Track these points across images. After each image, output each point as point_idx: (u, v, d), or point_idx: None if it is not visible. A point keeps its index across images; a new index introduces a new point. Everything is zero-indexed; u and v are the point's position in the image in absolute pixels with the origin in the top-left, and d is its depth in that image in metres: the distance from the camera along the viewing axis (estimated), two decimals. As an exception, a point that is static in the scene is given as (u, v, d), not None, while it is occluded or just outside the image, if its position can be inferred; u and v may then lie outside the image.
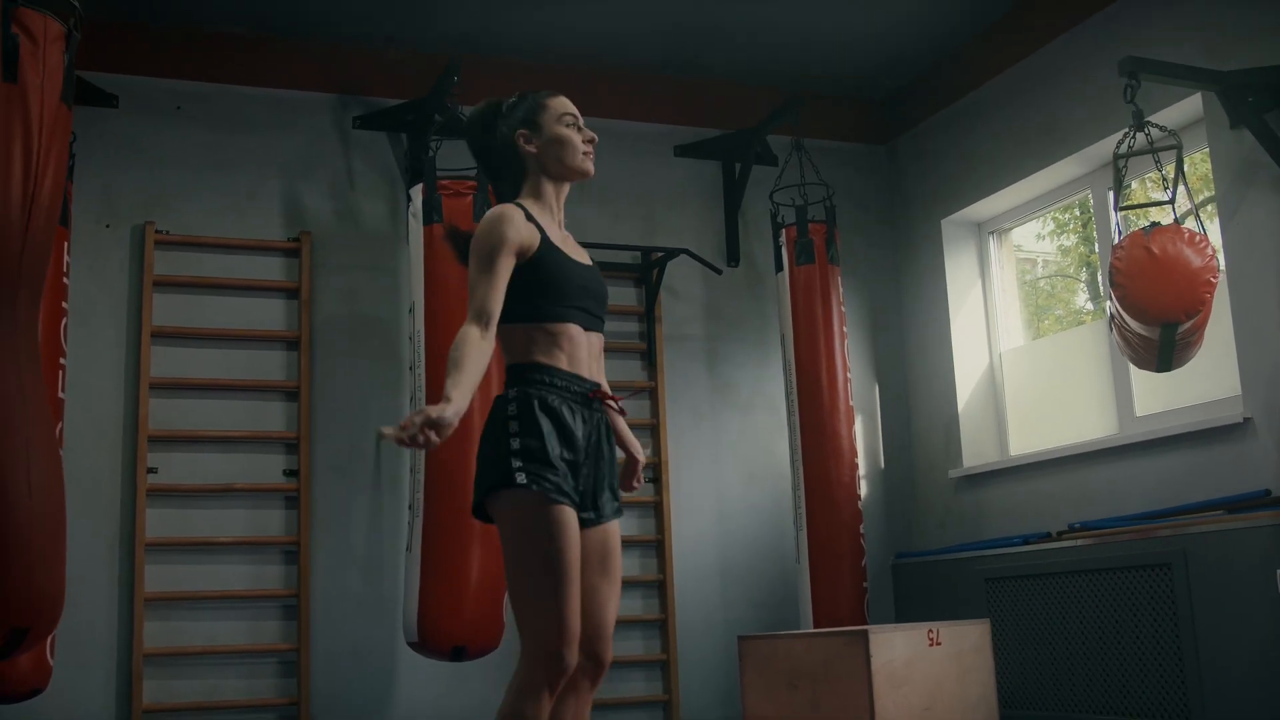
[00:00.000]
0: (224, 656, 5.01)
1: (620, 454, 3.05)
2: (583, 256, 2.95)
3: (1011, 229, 6.12)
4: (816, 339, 5.46)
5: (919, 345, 6.24)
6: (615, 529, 2.88)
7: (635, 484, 3.09)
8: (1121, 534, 4.71)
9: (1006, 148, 5.70)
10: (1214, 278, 4.09)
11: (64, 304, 4.48)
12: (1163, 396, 5.05)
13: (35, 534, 3.28)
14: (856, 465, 5.48)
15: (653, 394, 5.82)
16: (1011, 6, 5.58)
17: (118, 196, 5.21)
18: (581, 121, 2.97)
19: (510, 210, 2.81)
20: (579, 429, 2.78)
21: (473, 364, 2.59)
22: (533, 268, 2.78)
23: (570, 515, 2.70)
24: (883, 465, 6.20)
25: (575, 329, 2.83)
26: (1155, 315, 4.05)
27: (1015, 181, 5.66)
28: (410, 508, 4.72)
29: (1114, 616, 4.66)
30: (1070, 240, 6.21)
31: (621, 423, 3.03)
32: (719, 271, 5.93)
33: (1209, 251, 4.08)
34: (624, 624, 5.53)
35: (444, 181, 4.87)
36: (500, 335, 2.77)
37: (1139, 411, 5.15)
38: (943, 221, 6.10)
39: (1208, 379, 4.77)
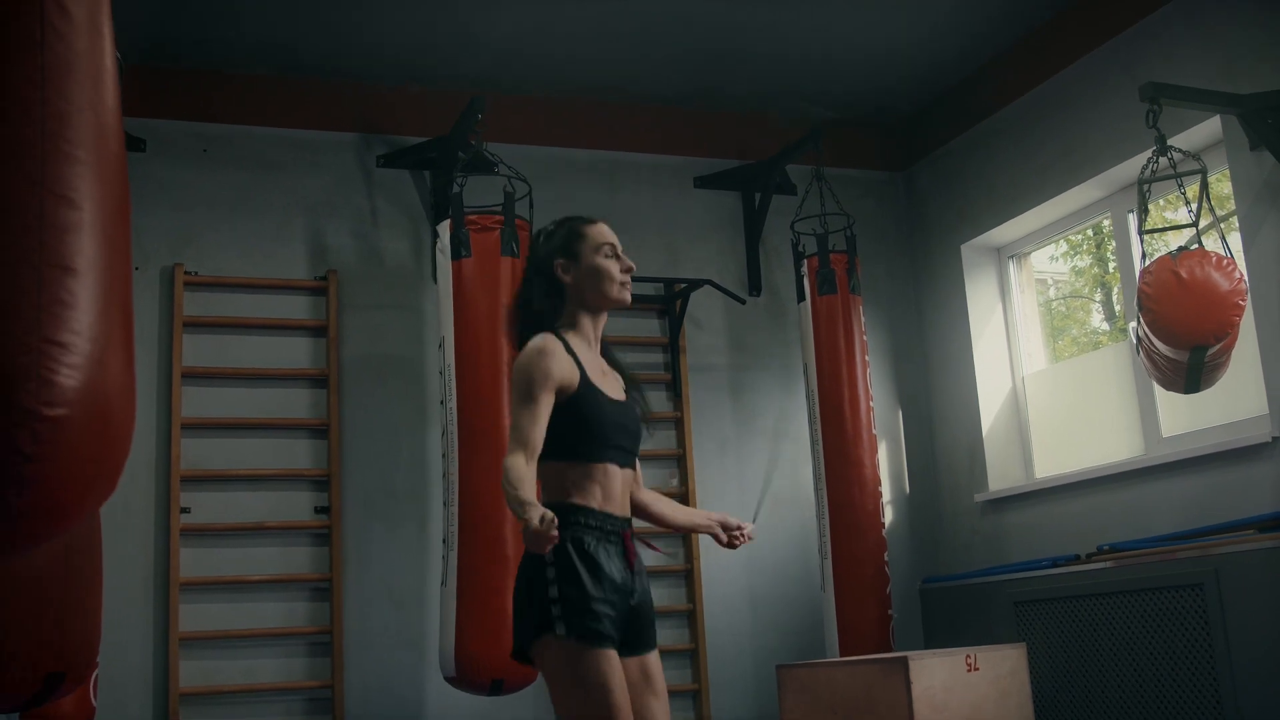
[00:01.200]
0: (260, 694, 5.03)
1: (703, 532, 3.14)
2: (618, 390, 2.95)
3: (1031, 253, 6.16)
4: (839, 369, 5.50)
5: (942, 370, 6.27)
6: (655, 657, 2.89)
7: (740, 536, 3.10)
8: (1151, 555, 4.73)
9: (1025, 172, 5.75)
10: (1242, 301, 4.12)
11: (98, 347, 4.51)
12: (1189, 417, 5.07)
13: (71, 578, 3.28)
14: (880, 493, 5.50)
15: (678, 424, 5.85)
16: (1028, 31, 5.64)
17: (146, 239, 5.26)
18: (620, 249, 2.95)
19: (552, 343, 2.81)
20: (615, 569, 2.78)
21: (529, 484, 2.63)
22: (571, 407, 2.79)
23: (613, 657, 2.70)
24: (908, 490, 6.23)
25: (612, 468, 2.84)
26: (1184, 339, 4.09)
27: (1035, 206, 5.70)
28: (445, 542, 4.74)
29: (1146, 638, 4.68)
30: (1084, 261, 6.25)
31: (682, 517, 3.12)
32: (742, 301, 5.98)
33: (1237, 275, 4.12)
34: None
35: (471, 216, 4.91)
36: (537, 471, 2.77)
37: (1165, 432, 5.17)
38: (962, 247, 6.14)
39: (1234, 399, 4.80)
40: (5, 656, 3.14)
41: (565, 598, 2.69)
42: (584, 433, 2.81)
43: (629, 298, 2.95)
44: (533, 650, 2.75)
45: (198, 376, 5.21)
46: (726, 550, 5.67)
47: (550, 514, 2.50)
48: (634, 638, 2.82)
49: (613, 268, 2.91)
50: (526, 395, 2.74)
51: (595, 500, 2.80)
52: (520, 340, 2.90)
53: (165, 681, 4.89)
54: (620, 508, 2.85)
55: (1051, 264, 6.32)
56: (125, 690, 4.84)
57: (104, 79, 2.23)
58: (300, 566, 5.21)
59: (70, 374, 2.05)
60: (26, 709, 3.51)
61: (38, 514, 2.08)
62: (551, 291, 2.93)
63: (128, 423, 2.26)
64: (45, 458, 2.02)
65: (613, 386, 2.94)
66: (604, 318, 2.97)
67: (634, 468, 2.95)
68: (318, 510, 5.26)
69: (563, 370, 2.78)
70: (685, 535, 5.72)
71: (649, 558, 3.04)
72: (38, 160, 2.07)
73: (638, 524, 2.96)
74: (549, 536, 2.47)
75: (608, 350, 3.02)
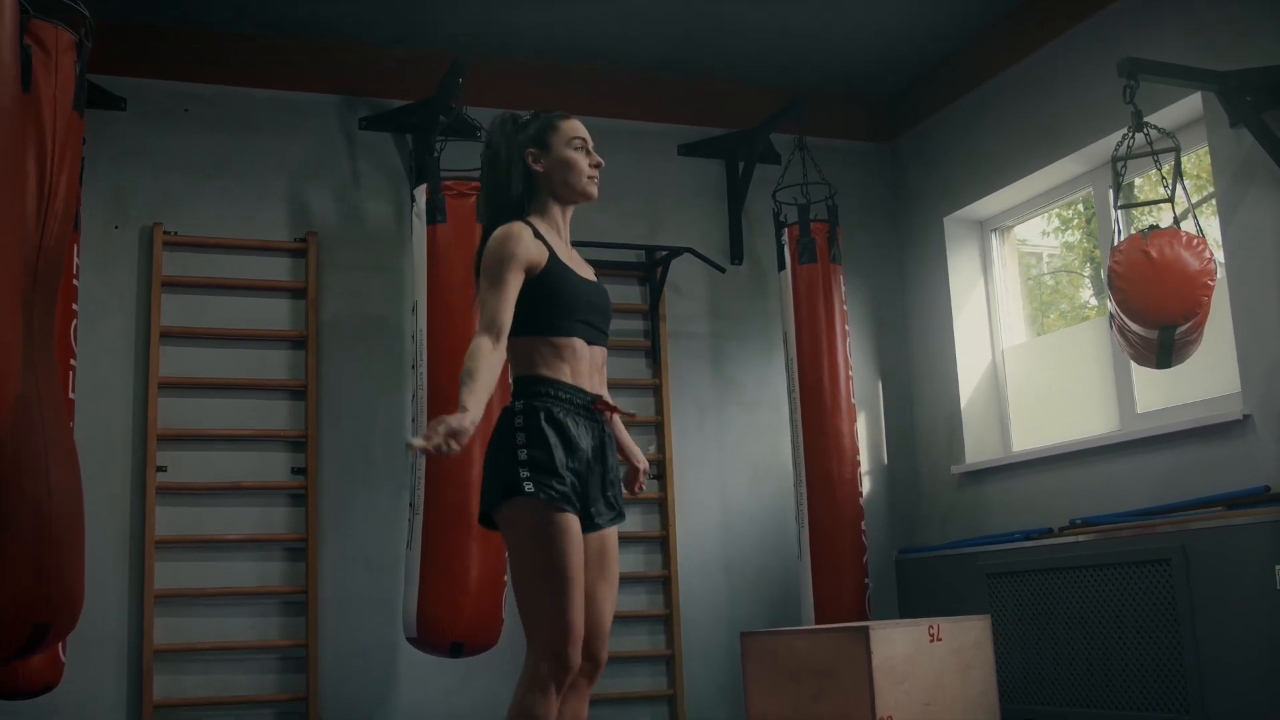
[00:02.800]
0: (233, 653, 5.06)
1: (623, 462, 3.16)
2: (588, 273, 3.04)
3: (1013, 226, 6.15)
4: (819, 338, 5.50)
5: (922, 342, 6.28)
6: (613, 534, 2.98)
7: (637, 490, 3.20)
8: (1122, 530, 4.75)
9: (1008, 146, 5.73)
10: (1211, 280, 4.12)
11: (74, 305, 4.50)
12: (1164, 393, 5.09)
13: (56, 533, 3.33)
14: (858, 463, 5.52)
15: (657, 391, 5.87)
16: (1013, 5, 5.61)
17: (126, 198, 5.26)
18: (591, 145, 3.04)
19: (519, 228, 2.89)
20: (582, 439, 2.88)
21: (486, 374, 2.68)
22: (540, 283, 2.87)
23: (575, 522, 2.81)
24: (886, 461, 6.24)
25: (579, 343, 2.92)
26: (1154, 318, 4.10)
27: (1017, 179, 5.70)
28: (411, 505, 4.77)
29: (1114, 611, 4.71)
30: (1075, 236, 6.24)
31: (624, 433, 3.14)
32: (722, 270, 5.98)
33: (1206, 254, 4.12)
34: (629, 619, 5.58)
35: (448, 182, 4.91)
36: (507, 347, 2.83)
37: (1140, 408, 5.18)
38: (945, 219, 6.14)
39: (1208, 376, 4.81)
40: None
41: (533, 460, 2.78)
42: (554, 306, 2.89)
43: (594, 191, 3.04)
44: (498, 512, 2.83)
45: (176, 336, 5.21)
46: (703, 518, 5.77)
47: (462, 434, 2.53)
48: (597, 511, 2.92)
49: (582, 160, 3.01)
50: (495, 277, 2.81)
51: (565, 374, 2.89)
52: (490, 227, 2.96)
53: (139, 639, 4.92)
54: (589, 383, 2.94)
55: (1043, 238, 6.32)
56: (98, 647, 4.87)
57: None
58: (276, 527, 5.23)
59: None
60: (14, 660, 3.56)
61: None
62: (522, 179, 3.00)
63: (5, 387, 2.25)
64: None
65: (582, 268, 3.03)
66: (571, 210, 3.06)
67: (603, 346, 3.01)
68: (294, 471, 5.28)
69: (530, 252, 2.86)
70: (662, 502, 5.75)
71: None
72: None
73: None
74: (445, 441, 2.51)
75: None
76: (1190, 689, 4.39)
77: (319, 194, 5.54)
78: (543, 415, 2.82)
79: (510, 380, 3.00)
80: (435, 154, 4.93)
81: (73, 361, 4.44)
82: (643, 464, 3.19)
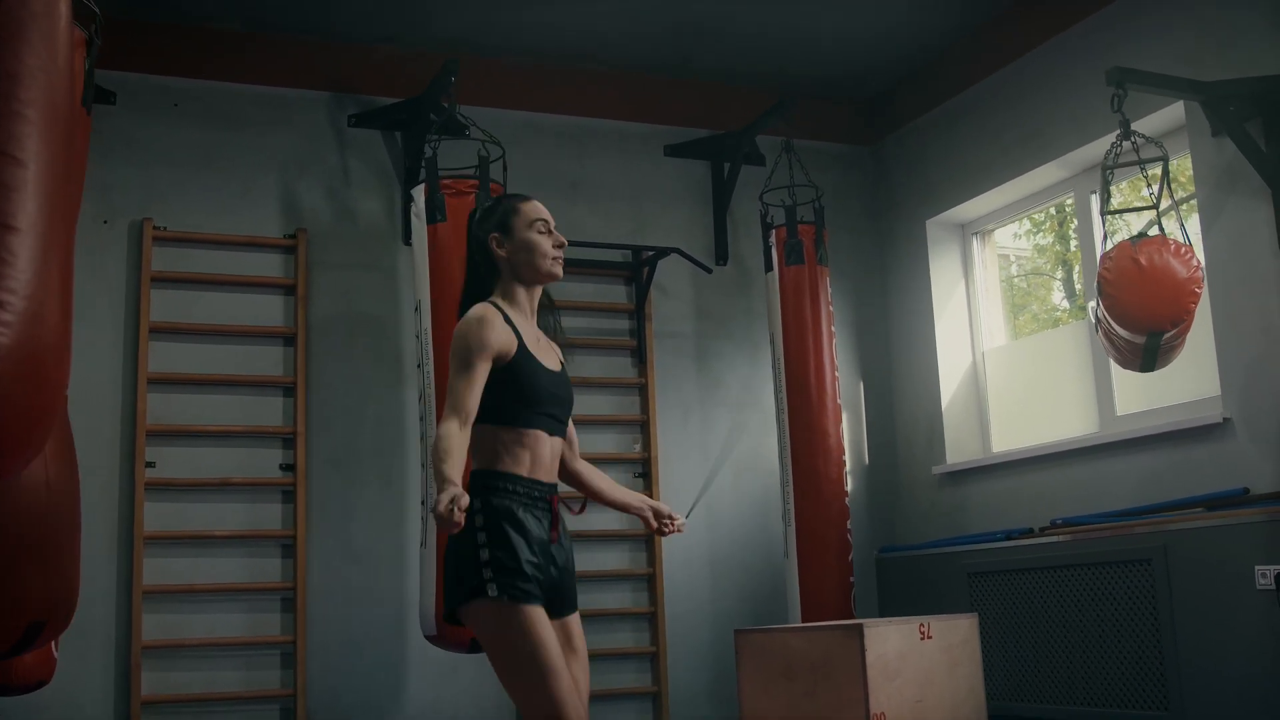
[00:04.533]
0: (222, 649, 5.07)
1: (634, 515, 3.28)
2: (553, 360, 3.08)
3: (994, 230, 6.23)
4: (805, 339, 5.56)
5: (904, 344, 6.35)
6: (575, 620, 3.02)
7: (673, 525, 3.25)
8: (1102, 530, 4.84)
9: (991, 151, 5.82)
10: (1199, 288, 4.21)
11: (66, 300, 4.51)
12: (1143, 396, 5.18)
13: (52, 530, 3.32)
14: (844, 462, 5.58)
15: (643, 390, 5.91)
16: (998, 12, 5.69)
17: (115, 193, 5.25)
18: (553, 225, 3.08)
19: (490, 314, 2.92)
20: (541, 531, 2.90)
21: (459, 453, 2.73)
22: (507, 373, 2.90)
23: (542, 613, 2.83)
24: (867, 461, 6.31)
25: (541, 434, 2.96)
26: (1142, 324, 4.18)
27: (999, 184, 5.78)
28: (424, 504, 4.78)
29: (1095, 611, 4.79)
30: (1046, 239, 6.33)
31: (620, 493, 3.25)
32: (709, 270, 6.03)
33: (1194, 263, 4.21)
34: (614, 616, 5.63)
35: (446, 181, 4.93)
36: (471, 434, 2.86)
37: (1120, 410, 5.28)
38: (927, 222, 6.21)
39: (1188, 379, 4.90)
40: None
41: (495, 560, 2.80)
42: (518, 399, 2.92)
43: (560, 272, 3.09)
44: (463, 613, 2.86)
45: (165, 332, 5.21)
46: (688, 516, 5.79)
47: (462, 499, 2.59)
48: (558, 601, 2.96)
49: (544, 243, 3.05)
50: (464, 363, 2.84)
51: (524, 467, 2.92)
52: (461, 312, 3.02)
53: (128, 635, 4.92)
54: (548, 474, 2.98)
55: (1015, 241, 6.41)
56: (88, 643, 4.86)
57: (57, 42, 2.24)
58: (265, 523, 5.24)
59: (4, 330, 2.08)
60: (9, 657, 3.55)
61: None
62: (488, 266, 3.07)
63: (61, 378, 2.29)
64: None
65: (548, 356, 3.07)
66: (538, 291, 3.11)
67: (565, 437, 3.08)
68: (283, 468, 5.28)
69: (500, 339, 2.90)
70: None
71: (573, 522, 3.14)
72: None
73: (563, 489, 3.08)
74: (452, 522, 2.57)
75: (546, 320, 3.16)
76: (1170, 687, 4.48)
77: (309, 190, 5.55)
78: (502, 513, 2.85)
79: (470, 472, 3.01)
80: (432, 153, 4.95)
81: (65, 356, 4.43)
82: (649, 507, 3.24)
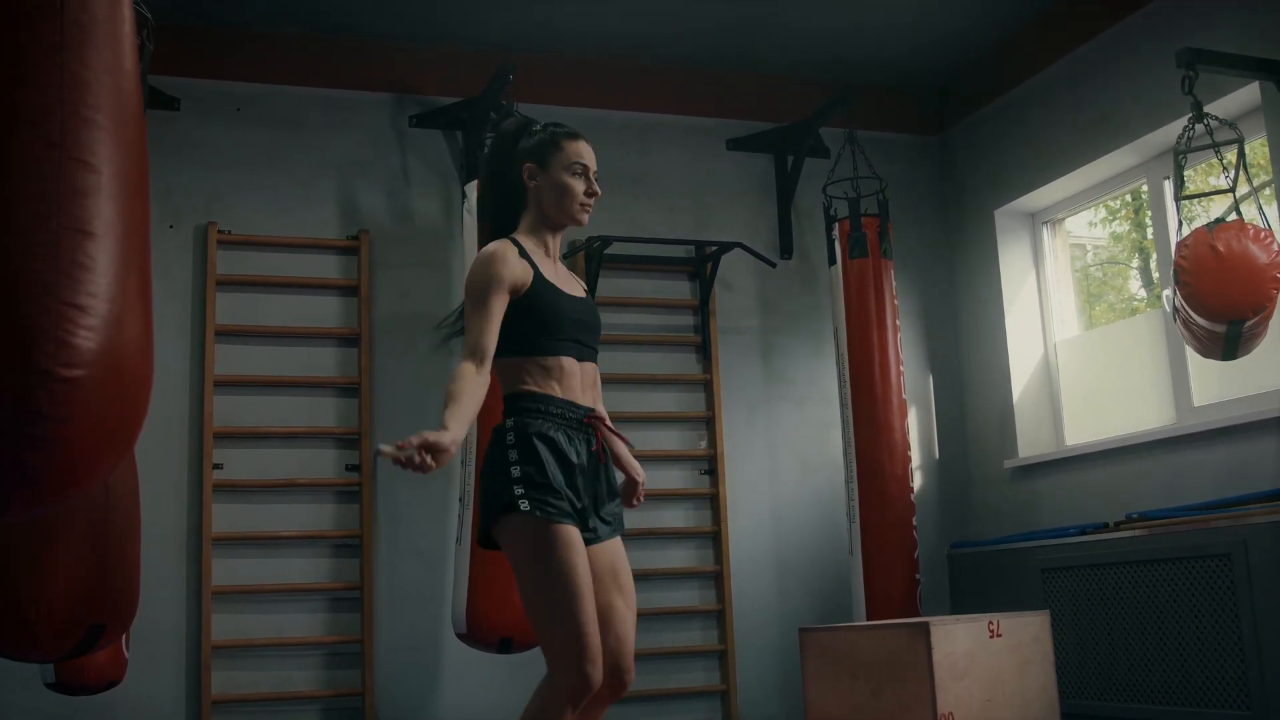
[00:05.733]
0: (290, 649, 5.10)
1: (621, 475, 3.12)
2: (576, 289, 2.99)
3: (1065, 218, 6.10)
4: (870, 333, 5.48)
5: (973, 336, 6.24)
6: (619, 545, 2.92)
7: (635, 503, 3.15)
8: (1180, 524, 4.71)
9: (1060, 137, 5.69)
10: (1280, 274, 4.08)
11: (132, 305, 4.56)
12: (1221, 386, 5.03)
13: (112, 533, 3.35)
14: (909, 458, 5.49)
15: (708, 387, 5.86)
16: (1065, -5, 5.57)
17: (180, 197, 5.30)
18: (593, 172, 2.97)
19: (502, 248, 2.85)
20: (575, 453, 2.83)
21: (468, 397, 2.64)
22: (525, 303, 2.83)
23: (575, 534, 2.75)
24: (938, 456, 6.22)
25: (569, 361, 2.88)
26: (1222, 313, 4.06)
27: (1069, 171, 5.65)
28: (461, 500, 4.79)
29: (1172, 607, 4.66)
30: (1123, 227, 6.19)
31: (620, 446, 3.09)
32: (773, 265, 5.96)
33: (1275, 247, 4.08)
34: (682, 615, 5.59)
35: (500, 178, 4.90)
36: (496, 369, 2.81)
37: (1197, 401, 5.13)
38: (996, 212, 6.10)
39: (1267, 368, 4.75)
40: (48, 608, 3.21)
41: (526, 476, 2.74)
42: (539, 326, 2.85)
43: (585, 219, 2.98)
44: (496, 530, 2.80)
45: (230, 334, 5.26)
46: (755, 513, 5.76)
47: (443, 445, 2.49)
48: (599, 524, 2.87)
49: (578, 186, 2.94)
50: (478, 301, 2.77)
51: (555, 390, 2.84)
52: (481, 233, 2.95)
53: (198, 635, 4.97)
54: (581, 396, 2.89)
55: (1090, 229, 6.27)
56: (158, 643, 4.92)
57: (123, 45, 2.25)
58: (330, 523, 5.27)
59: (88, 335, 2.09)
60: (67, 659, 3.59)
61: (56, 473, 2.12)
62: (514, 192, 2.97)
63: (145, 383, 2.29)
64: (63, 418, 2.05)
65: (570, 284, 2.98)
66: (561, 234, 3.01)
67: (594, 362, 2.98)
68: (348, 468, 5.31)
69: (514, 273, 2.82)
70: (714, 498, 5.75)
71: (639, 520, 3.06)
72: (57, 125, 2.10)
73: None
74: (418, 453, 2.47)
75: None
76: (1251, 686, 4.35)
77: (370, 192, 5.57)
78: (534, 431, 2.78)
79: (502, 399, 2.94)
80: (486, 149, 4.93)
81: (131, 360, 4.48)
82: (640, 476, 3.14)
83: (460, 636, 4.75)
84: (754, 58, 6.03)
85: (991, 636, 4.18)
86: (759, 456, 5.91)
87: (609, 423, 2.98)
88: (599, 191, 2.98)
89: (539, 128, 3.01)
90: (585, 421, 2.88)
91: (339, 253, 5.49)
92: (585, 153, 2.96)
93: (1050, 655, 4.40)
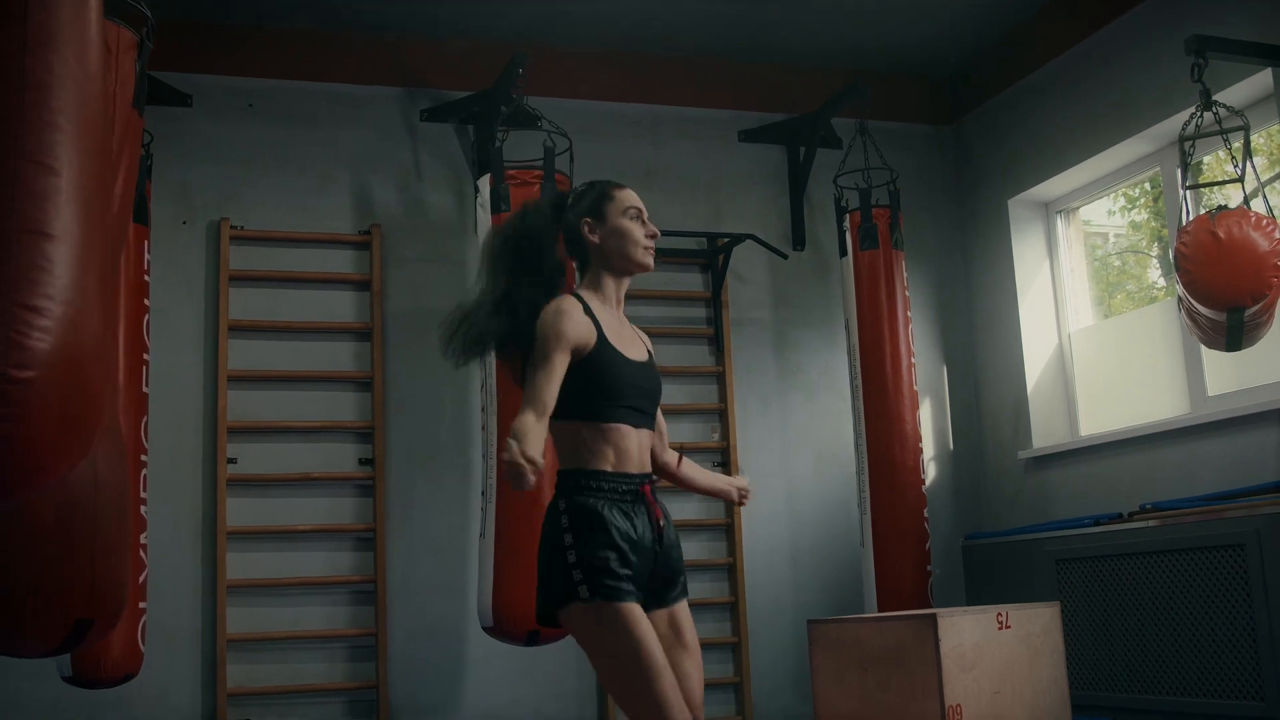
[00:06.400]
0: (305, 641, 5.14)
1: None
2: (639, 351, 2.96)
3: (1079, 207, 6.07)
4: (880, 324, 5.47)
5: (987, 326, 6.22)
6: (683, 609, 2.92)
7: (742, 498, 3.19)
8: (1193, 514, 4.69)
9: (1074, 126, 5.66)
10: (1281, 260, 4.05)
11: (145, 301, 4.60)
12: (1235, 376, 5.01)
13: (101, 526, 3.35)
14: (920, 450, 5.48)
15: (720, 378, 5.86)
16: (1077, -17, 5.54)
17: (194, 193, 5.34)
18: (646, 215, 2.98)
19: (569, 305, 2.82)
20: (633, 525, 2.80)
21: (535, 438, 2.59)
22: (586, 365, 2.80)
23: (638, 610, 2.73)
24: (952, 447, 6.20)
25: (626, 429, 2.84)
26: (1222, 299, 4.04)
27: (1083, 160, 5.62)
28: (483, 494, 4.80)
29: (1186, 597, 4.65)
30: (1142, 215, 6.15)
31: (702, 475, 3.12)
32: (785, 256, 5.95)
33: (1276, 234, 4.05)
34: (695, 607, 5.54)
35: (511, 171, 4.93)
36: (550, 429, 2.77)
37: (1211, 391, 5.11)
38: (1009, 201, 6.07)
39: (1280, 358, 4.73)
40: (36, 605, 3.23)
41: (583, 561, 2.71)
42: (598, 392, 2.82)
43: (651, 262, 2.97)
44: (560, 618, 2.78)
45: (244, 329, 5.29)
46: (767, 505, 5.76)
47: (534, 455, 2.49)
48: (660, 589, 2.85)
49: (637, 230, 2.94)
50: (542, 356, 2.75)
51: (608, 462, 2.81)
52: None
53: (213, 628, 5.01)
54: (637, 465, 2.86)
55: (1109, 218, 6.23)
56: (174, 636, 4.96)
57: (88, 49, 2.26)
58: (345, 517, 5.29)
59: (41, 337, 2.10)
60: (57, 654, 3.61)
61: (9, 471, 2.13)
62: (578, 252, 2.97)
63: (103, 384, 2.30)
64: (16, 417, 2.07)
65: (632, 346, 2.94)
66: (626, 282, 2.99)
67: (651, 429, 2.95)
68: (362, 462, 5.34)
69: (579, 331, 2.79)
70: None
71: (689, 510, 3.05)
72: (17, 127, 2.12)
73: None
74: (521, 477, 2.46)
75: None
76: (1264, 676, 4.33)
77: (382, 186, 5.59)
78: (588, 510, 2.76)
79: (556, 473, 2.91)
80: (498, 144, 4.95)
81: (146, 355, 4.51)
82: (733, 493, 3.16)
83: (487, 630, 4.76)
84: (765, 49, 6.02)
85: (1000, 628, 4.17)
86: (771, 448, 5.91)
87: (676, 466, 3.02)
88: (657, 232, 2.98)
89: (584, 187, 3.03)
90: (641, 490, 2.86)
91: (351, 247, 5.51)
92: (635, 198, 2.98)
93: (1061, 646, 4.38)
